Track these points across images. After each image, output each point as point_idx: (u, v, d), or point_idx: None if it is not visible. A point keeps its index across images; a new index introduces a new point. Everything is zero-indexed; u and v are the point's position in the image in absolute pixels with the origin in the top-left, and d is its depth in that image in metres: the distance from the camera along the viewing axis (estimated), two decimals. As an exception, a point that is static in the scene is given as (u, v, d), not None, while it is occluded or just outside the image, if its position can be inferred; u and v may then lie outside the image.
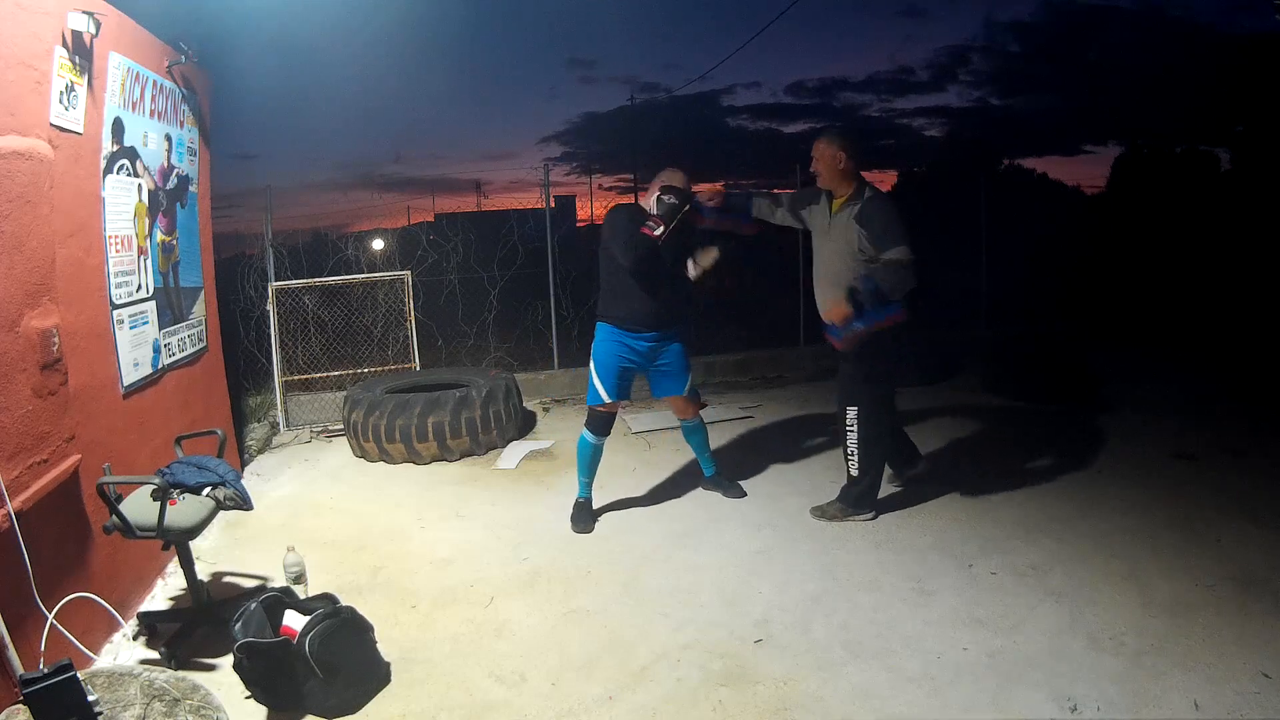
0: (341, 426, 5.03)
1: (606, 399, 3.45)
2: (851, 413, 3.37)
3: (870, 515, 3.47)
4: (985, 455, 4.21)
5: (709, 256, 3.47)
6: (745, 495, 3.81)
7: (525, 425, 5.20)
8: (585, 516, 3.57)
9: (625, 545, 3.35)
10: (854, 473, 3.43)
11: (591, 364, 3.47)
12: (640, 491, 3.93)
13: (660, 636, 2.61)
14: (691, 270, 3.53)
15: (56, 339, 2.38)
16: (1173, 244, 7.86)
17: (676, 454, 4.53)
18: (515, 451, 4.72)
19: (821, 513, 3.53)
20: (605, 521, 3.60)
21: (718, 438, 4.81)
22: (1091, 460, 4.05)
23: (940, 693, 2.24)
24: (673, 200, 3.26)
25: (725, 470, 4.01)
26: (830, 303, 3.26)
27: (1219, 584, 2.74)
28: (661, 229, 3.23)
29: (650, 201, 3.36)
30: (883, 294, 3.11)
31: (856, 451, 3.39)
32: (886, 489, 3.75)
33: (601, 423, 3.52)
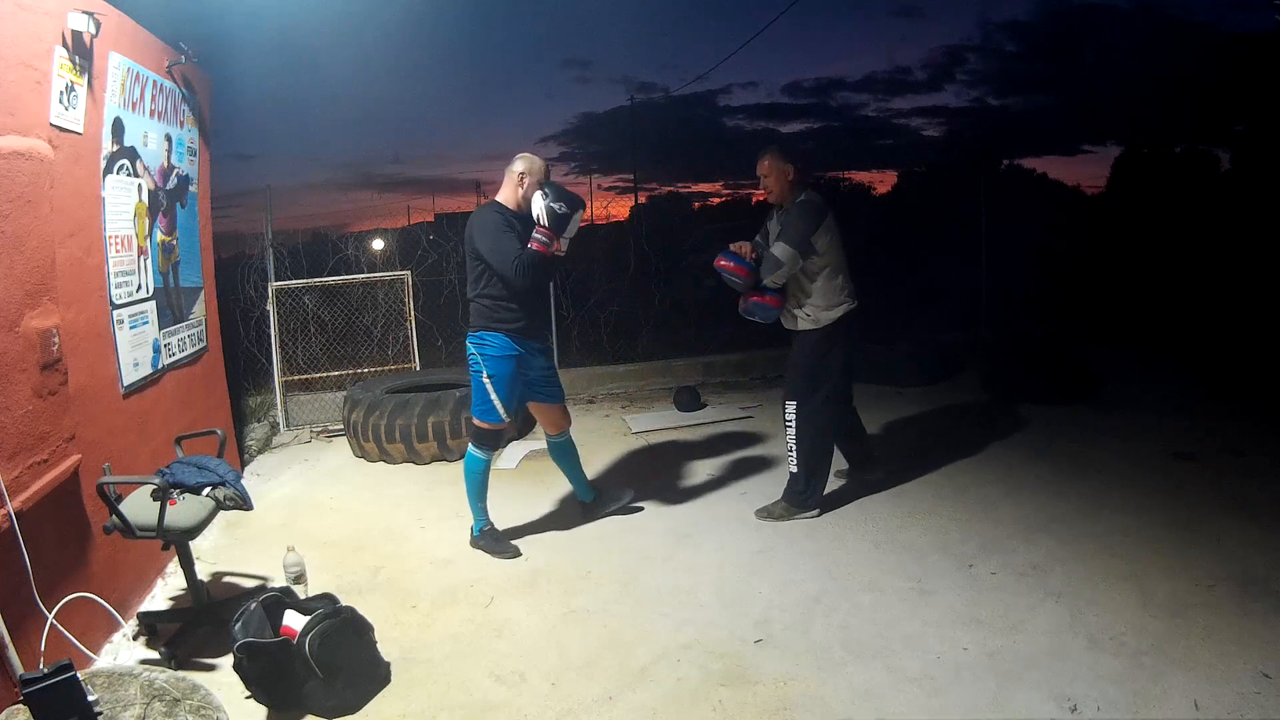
0: (341, 426, 5.02)
1: (506, 416, 3.21)
2: (790, 407, 3.43)
3: (815, 513, 3.49)
4: (985, 455, 4.21)
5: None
6: (642, 508, 3.65)
7: (525, 425, 5.20)
8: (503, 542, 3.32)
9: (625, 545, 3.35)
10: (793, 469, 3.47)
11: (487, 379, 3.15)
12: (641, 491, 3.92)
13: (660, 636, 2.61)
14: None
15: (56, 339, 2.38)
16: (1173, 244, 7.86)
17: (676, 454, 4.53)
18: (515, 451, 4.72)
19: (767, 513, 3.53)
20: (605, 521, 3.60)
21: (718, 438, 4.82)
22: (1091, 460, 4.05)
23: (940, 693, 2.24)
24: (564, 210, 3.01)
25: (723, 470, 4.01)
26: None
27: (1219, 584, 2.74)
28: (556, 243, 3.04)
29: (536, 206, 3.06)
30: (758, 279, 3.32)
31: (795, 447, 3.43)
32: (884, 489, 3.76)
33: (494, 439, 3.29)
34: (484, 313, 3.16)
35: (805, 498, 3.48)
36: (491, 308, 3.14)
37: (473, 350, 3.20)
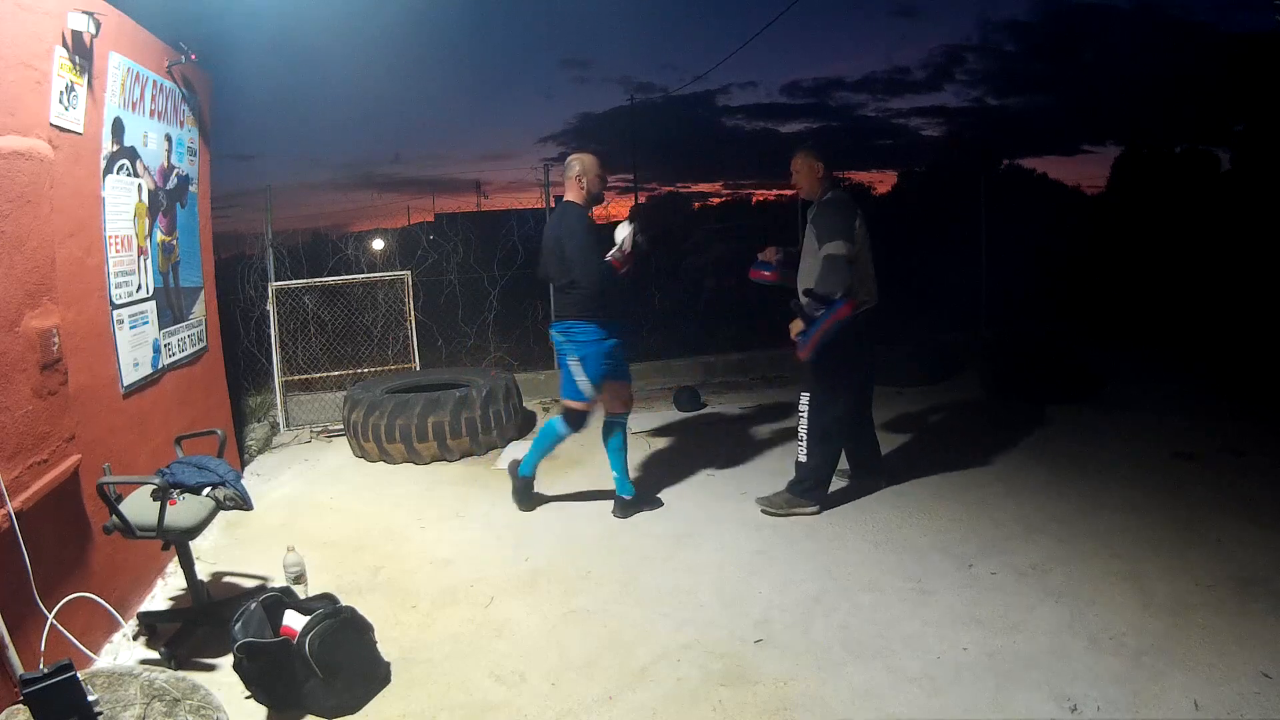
0: (341, 426, 5.02)
1: (591, 397, 3.49)
2: (804, 398, 3.45)
3: (814, 509, 3.52)
4: (985, 455, 4.21)
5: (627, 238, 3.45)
6: (663, 505, 3.74)
7: (525, 425, 5.20)
8: (529, 495, 3.77)
9: (625, 545, 3.35)
10: (801, 458, 3.49)
11: (579, 364, 3.44)
12: (641, 491, 3.92)
13: (660, 636, 2.61)
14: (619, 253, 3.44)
15: (56, 339, 2.38)
16: (1173, 244, 7.86)
17: (676, 454, 4.53)
18: (515, 451, 4.71)
19: (768, 503, 3.57)
20: (605, 521, 3.60)
21: (718, 438, 4.81)
22: (1091, 460, 4.05)
23: (940, 693, 2.24)
24: (645, 245, 3.44)
25: (723, 470, 4.00)
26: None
27: (1219, 584, 2.74)
28: (628, 268, 3.41)
29: (622, 232, 3.41)
30: (819, 295, 3.22)
31: (806, 437, 3.45)
32: (884, 489, 3.77)
33: (580, 418, 3.57)
34: (581, 302, 3.39)
35: (808, 490, 3.50)
36: (589, 298, 3.37)
37: (560, 339, 3.50)
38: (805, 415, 3.44)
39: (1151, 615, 2.57)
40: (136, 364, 3.13)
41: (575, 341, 3.43)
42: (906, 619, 2.64)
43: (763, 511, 3.55)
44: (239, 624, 2.30)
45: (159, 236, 3.43)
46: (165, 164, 3.52)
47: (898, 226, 8.25)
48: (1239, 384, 5.26)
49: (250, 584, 3.13)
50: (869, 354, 3.52)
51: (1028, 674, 2.30)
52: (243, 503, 2.73)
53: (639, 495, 3.72)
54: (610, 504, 3.72)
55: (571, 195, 3.46)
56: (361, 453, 4.71)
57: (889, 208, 11.72)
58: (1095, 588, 2.77)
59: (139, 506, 2.50)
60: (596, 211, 3.69)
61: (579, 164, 3.44)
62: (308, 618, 2.34)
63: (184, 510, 2.54)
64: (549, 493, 3.99)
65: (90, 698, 1.71)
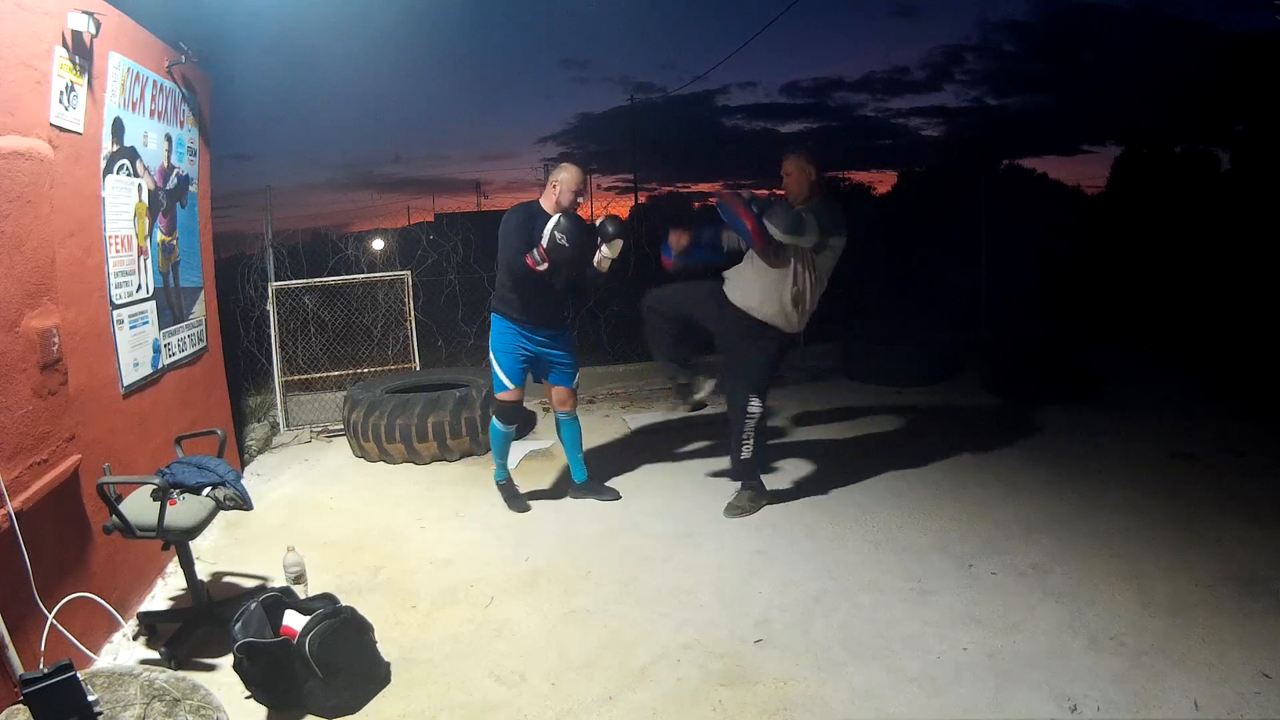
0: (341, 426, 5.02)
1: (510, 386, 3.61)
2: (755, 402, 3.52)
3: (767, 498, 3.69)
4: (985, 455, 4.21)
5: (614, 249, 3.54)
6: (619, 498, 3.83)
7: (525, 425, 5.20)
8: (517, 498, 3.81)
9: (625, 545, 3.35)
10: (745, 455, 3.58)
11: (492, 356, 3.60)
12: (641, 491, 3.93)
13: (660, 636, 2.61)
14: (598, 259, 3.58)
15: (56, 339, 2.38)
16: (1173, 244, 7.86)
17: (676, 454, 4.53)
18: (515, 451, 4.71)
19: (738, 509, 3.61)
20: (605, 521, 3.60)
21: (718, 438, 4.81)
22: (1091, 460, 4.05)
23: (940, 693, 2.24)
24: (566, 247, 3.31)
25: (723, 470, 3.99)
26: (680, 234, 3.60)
27: (1219, 584, 2.74)
28: (544, 266, 3.34)
29: (547, 228, 3.34)
30: (767, 215, 3.24)
31: (751, 437, 3.55)
32: (883, 489, 3.77)
33: (509, 411, 3.69)
34: (495, 296, 3.63)
35: (759, 484, 3.65)
36: (499, 294, 3.60)
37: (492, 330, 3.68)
38: (753, 419, 3.53)
39: (1151, 615, 2.58)
40: (136, 364, 3.13)
41: (492, 335, 3.63)
42: (906, 619, 2.64)
43: (732, 516, 3.58)
44: (239, 624, 2.30)
45: (159, 236, 3.43)
46: (165, 164, 3.51)
47: (898, 226, 8.26)
48: (1239, 384, 5.26)
49: (250, 584, 3.13)
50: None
51: (1028, 674, 2.30)
52: (243, 503, 2.73)
53: (590, 484, 3.88)
54: (608, 504, 3.79)
55: (545, 199, 3.54)
56: (361, 453, 4.71)
57: (889, 208, 11.74)
58: (1095, 588, 2.78)
59: (139, 506, 2.50)
60: (596, 215, 3.76)
61: (564, 173, 3.51)
62: (308, 618, 2.34)
63: (184, 510, 2.54)
64: (549, 492, 4.00)
65: (90, 698, 1.71)
